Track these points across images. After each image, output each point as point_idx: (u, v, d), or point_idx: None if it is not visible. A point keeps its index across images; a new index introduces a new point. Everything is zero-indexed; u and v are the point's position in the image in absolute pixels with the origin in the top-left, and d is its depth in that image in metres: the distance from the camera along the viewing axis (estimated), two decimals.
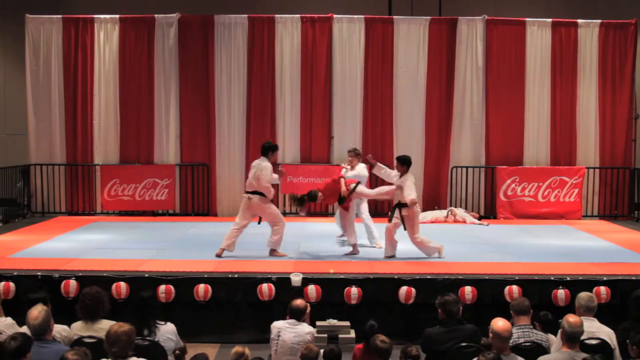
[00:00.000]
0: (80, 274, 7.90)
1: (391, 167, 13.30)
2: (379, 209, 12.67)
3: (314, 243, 9.86)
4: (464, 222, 12.50)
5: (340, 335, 7.40)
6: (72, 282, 7.72)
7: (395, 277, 7.93)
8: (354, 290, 7.75)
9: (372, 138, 13.35)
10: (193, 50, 13.25)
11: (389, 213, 9.17)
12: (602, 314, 6.28)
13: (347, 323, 7.58)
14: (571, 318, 5.19)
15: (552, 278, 7.93)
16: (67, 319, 5.79)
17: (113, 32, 13.24)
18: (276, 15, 13.24)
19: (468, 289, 7.72)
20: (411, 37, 13.28)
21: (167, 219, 12.87)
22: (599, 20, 13.37)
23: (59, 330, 5.43)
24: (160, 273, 8.01)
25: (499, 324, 5.11)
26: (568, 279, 7.91)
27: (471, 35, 13.30)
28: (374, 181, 11.62)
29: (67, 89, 13.26)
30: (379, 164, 9.38)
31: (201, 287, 7.76)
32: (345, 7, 13.77)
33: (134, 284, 7.69)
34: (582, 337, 5.24)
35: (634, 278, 7.99)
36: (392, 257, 8.99)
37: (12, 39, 14.32)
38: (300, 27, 13.22)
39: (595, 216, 13.33)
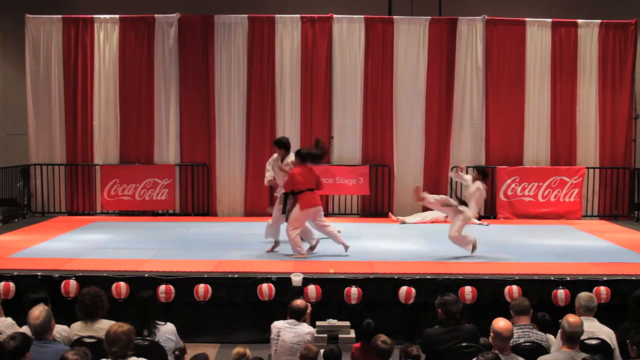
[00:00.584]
0: (80, 274, 7.89)
1: (391, 167, 13.37)
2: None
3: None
4: None
5: (340, 335, 7.40)
6: (72, 282, 7.71)
7: (395, 277, 7.92)
8: (354, 290, 7.74)
9: (372, 138, 13.35)
10: (193, 50, 13.25)
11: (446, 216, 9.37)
12: (602, 314, 6.28)
13: (347, 323, 7.58)
14: (571, 318, 5.19)
15: (552, 278, 7.93)
16: (67, 319, 5.79)
17: (113, 32, 13.23)
18: (276, 15, 13.23)
19: (468, 289, 7.72)
20: (411, 37, 13.28)
21: (167, 219, 12.87)
22: (599, 20, 13.37)
23: (59, 330, 5.43)
24: (160, 273, 8.00)
25: (500, 323, 5.12)
26: (568, 279, 7.91)
27: (471, 35, 13.29)
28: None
29: (67, 89, 13.26)
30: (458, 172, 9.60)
31: (201, 287, 7.75)
32: (345, 7, 13.77)
33: (134, 284, 7.69)
34: (582, 337, 5.24)
35: (634, 278, 7.99)
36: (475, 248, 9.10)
37: (12, 39, 14.30)
38: (300, 27, 13.21)
39: (595, 216, 13.33)
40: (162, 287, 7.68)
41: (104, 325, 5.26)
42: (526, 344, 5.51)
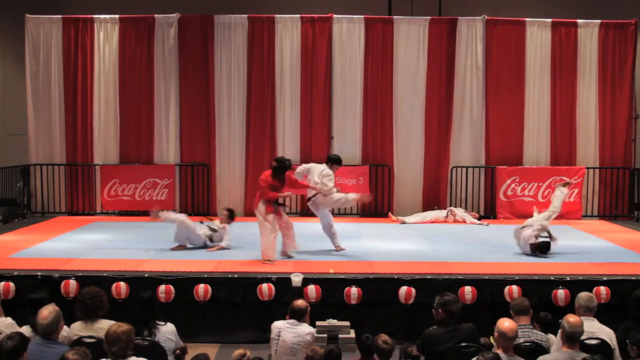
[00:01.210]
0: (80, 274, 7.90)
1: (391, 167, 13.35)
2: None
3: (313, 243, 9.86)
4: (464, 222, 12.50)
5: (340, 335, 7.40)
6: (72, 282, 7.72)
7: (395, 277, 7.92)
8: (354, 290, 7.74)
9: (372, 138, 13.35)
10: (193, 50, 13.25)
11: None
12: (602, 314, 6.29)
13: (347, 323, 7.58)
14: (571, 318, 5.19)
15: (552, 278, 7.93)
16: (67, 319, 5.76)
17: (113, 32, 13.24)
18: (276, 15, 13.23)
19: (468, 289, 7.72)
20: (411, 37, 13.28)
21: None
22: (599, 20, 13.37)
23: None
24: (160, 273, 8.00)
25: (506, 324, 5.11)
26: (568, 279, 7.91)
27: (471, 35, 13.29)
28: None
29: (67, 89, 13.26)
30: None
31: (201, 287, 7.75)
32: (345, 7, 13.76)
33: (134, 284, 7.69)
34: (582, 337, 5.24)
35: (634, 278, 7.99)
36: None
37: (12, 39, 14.30)
38: (300, 27, 13.21)
39: (595, 216, 13.33)
40: (162, 287, 7.68)
41: (104, 325, 5.26)
42: (526, 344, 5.50)
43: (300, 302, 6.23)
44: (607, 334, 5.71)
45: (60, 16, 13.25)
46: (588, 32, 13.36)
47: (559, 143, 13.44)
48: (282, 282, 7.81)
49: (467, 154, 13.40)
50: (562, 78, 13.38)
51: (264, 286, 7.76)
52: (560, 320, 5.34)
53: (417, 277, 7.94)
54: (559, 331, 5.32)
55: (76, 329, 5.58)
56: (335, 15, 13.25)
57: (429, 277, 7.97)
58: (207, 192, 13.29)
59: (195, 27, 13.24)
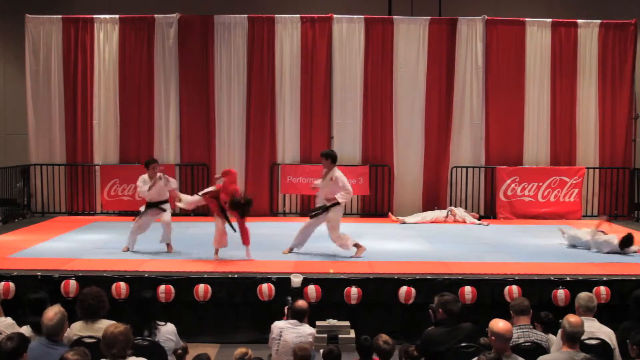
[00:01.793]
0: (80, 274, 7.90)
1: (391, 167, 13.34)
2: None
3: (313, 243, 9.85)
4: (464, 222, 12.50)
5: (340, 335, 7.39)
6: (72, 282, 7.72)
7: (395, 277, 7.92)
8: (354, 290, 7.74)
9: (372, 138, 13.36)
10: (193, 50, 13.25)
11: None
12: (602, 314, 6.29)
13: (347, 323, 7.58)
14: (572, 318, 5.18)
15: (552, 278, 7.93)
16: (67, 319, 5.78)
17: (113, 32, 13.24)
18: (276, 16, 13.24)
19: (468, 289, 7.72)
20: (411, 37, 13.28)
21: None
22: (599, 20, 13.38)
23: None
24: (160, 273, 8.01)
25: (500, 324, 5.08)
26: (568, 279, 7.91)
27: (471, 35, 13.30)
28: None
29: (67, 89, 13.26)
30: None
31: (201, 287, 7.76)
32: (345, 7, 13.77)
33: (134, 284, 7.69)
34: (582, 337, 5.23)
35: (633, 278, 7.99)
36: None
37: (12, 39, 14.31)
38: (300, 27, 13.22)
39: (595, 216, 13.30)
40: (162, 287, 7.68)
41: (104, 325, 5.24)
42: (526, 344, 5.50)
43: (301, 303, 6.23)
44: (607, 334, 5.71)
45: (60, 16, 13.26)
46: (588, 32, 13.37)
47: (558, 143, 13.44)
48: (282, 282, 7.79)
49: (467, 154, 13.41)
50: (562, 78, 13.39)
51: (264, 286, 7.76)
52: (560, 320, 5.34)
53: (417, 277, 7.94)
54: (559, 331, 5.32)
55: (76, 329, 5.57)
56: (335, 16, 13.25)
57: (429, 277, 7.97)
58: None
59: (195, 27, 13.25)
